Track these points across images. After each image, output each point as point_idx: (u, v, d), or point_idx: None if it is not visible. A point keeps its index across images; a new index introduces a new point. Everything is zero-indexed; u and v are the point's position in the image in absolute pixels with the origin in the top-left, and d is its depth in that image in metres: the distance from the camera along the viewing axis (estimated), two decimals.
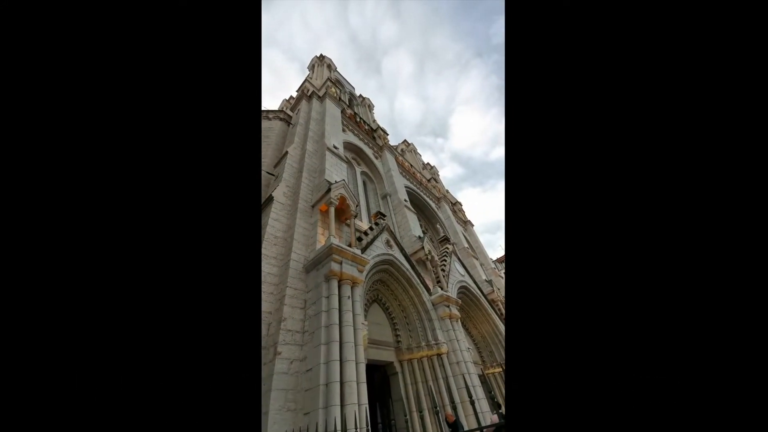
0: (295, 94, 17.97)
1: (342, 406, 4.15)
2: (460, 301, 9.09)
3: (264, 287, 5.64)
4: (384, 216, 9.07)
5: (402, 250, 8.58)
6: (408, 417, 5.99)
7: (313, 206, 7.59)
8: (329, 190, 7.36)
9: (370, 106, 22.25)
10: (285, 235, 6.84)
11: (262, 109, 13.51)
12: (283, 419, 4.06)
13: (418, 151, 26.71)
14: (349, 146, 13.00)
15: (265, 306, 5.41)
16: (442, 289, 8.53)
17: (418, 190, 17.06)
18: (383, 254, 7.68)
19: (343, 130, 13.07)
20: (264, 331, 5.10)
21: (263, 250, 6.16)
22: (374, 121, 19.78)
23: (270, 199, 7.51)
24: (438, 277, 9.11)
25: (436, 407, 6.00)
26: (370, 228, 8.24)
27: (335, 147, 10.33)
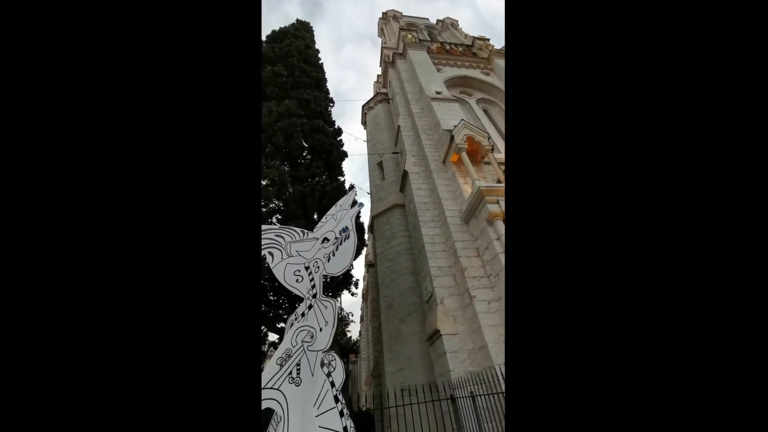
0: (380, 71, 18.12)
1: None
2: None
3: (435, 247, 6.28)
4: None
5: None
6: None
7: (444, 161, 7.46)
8: (452, 138, 6.94)
9: (454, 24, 18.71)
10: (432, 198, 7.19)
11: (363, 103, 14.62)
12: (503, 351, 4.39)
13: None
14: (452, 82, 11.59)
15: (442, 262, 6.03)
16: None
17: None
18: None
19: (438, 70, 11.79)
20: (452, 282, 5.71)
21: (420, 217, 6.79)
22: (466, 36, 16.50)
23: (405, 174, 8.09)
24: None
25: None
26: None
27: (438, 93, 9.53)
